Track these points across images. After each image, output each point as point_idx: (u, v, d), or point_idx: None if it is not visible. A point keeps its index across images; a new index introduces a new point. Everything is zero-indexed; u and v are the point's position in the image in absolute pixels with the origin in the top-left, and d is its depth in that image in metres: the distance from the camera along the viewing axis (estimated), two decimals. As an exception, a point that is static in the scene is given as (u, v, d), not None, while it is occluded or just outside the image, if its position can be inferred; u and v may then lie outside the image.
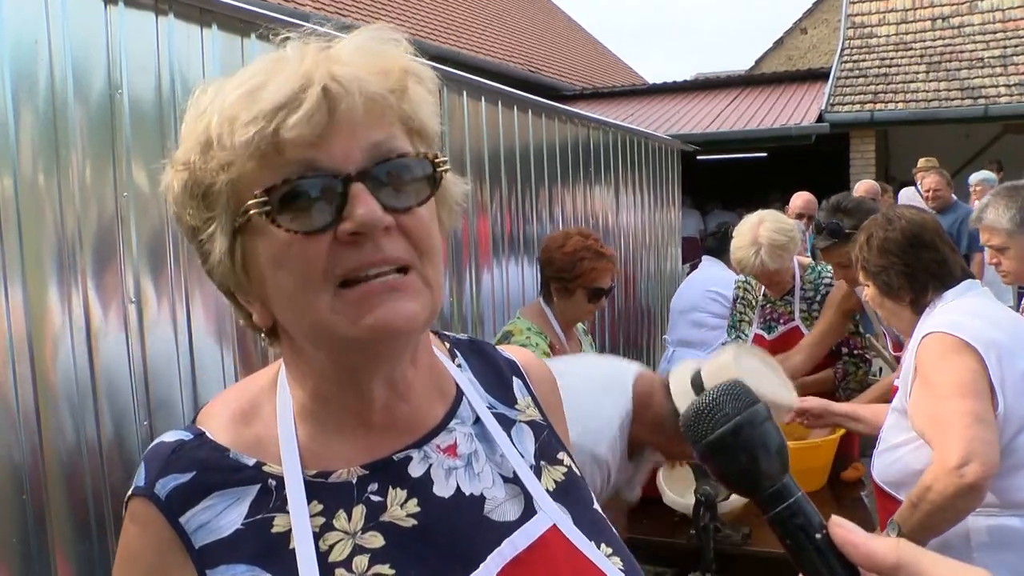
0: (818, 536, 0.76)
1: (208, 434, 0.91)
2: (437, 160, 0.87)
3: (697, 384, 2.12)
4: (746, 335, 4.20)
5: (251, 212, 0.81)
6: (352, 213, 0.80)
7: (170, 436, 0.92)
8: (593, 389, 2.20)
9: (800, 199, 7.25)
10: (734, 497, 2.73)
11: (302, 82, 0.79)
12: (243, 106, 0.79)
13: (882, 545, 0.74)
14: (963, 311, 2.29)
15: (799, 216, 6.83)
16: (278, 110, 0.78)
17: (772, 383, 2.35)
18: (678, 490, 3.00)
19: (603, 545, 0.95)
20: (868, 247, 2.48)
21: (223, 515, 0.86)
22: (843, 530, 0.75)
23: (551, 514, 0.94)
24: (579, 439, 2.20)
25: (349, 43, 0.85)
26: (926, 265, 2.38)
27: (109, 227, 2.32)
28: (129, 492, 0.90)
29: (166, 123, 2.50)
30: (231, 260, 0.85)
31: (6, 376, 2.03)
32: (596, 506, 1.02)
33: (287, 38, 0.87)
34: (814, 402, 3.03)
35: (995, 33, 14.02)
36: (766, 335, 4.09)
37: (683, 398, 2.11)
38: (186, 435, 0.91)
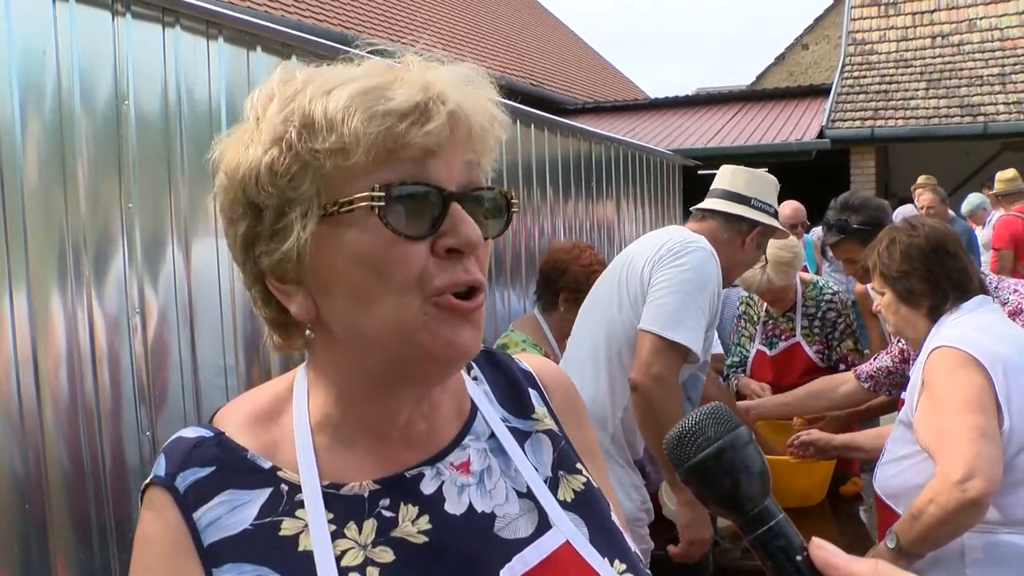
0: (799, 558, 0.77)
1: (226, 434, 0.92)
2: (512, 199, 0.91)
3: None
4: (748, 351, 4.21)
5: (359, 204, 0.81)
6: (457, 230, 0.83)
7: (190, 432, 0.92)
8: None
9: (788, 208, 6.93)
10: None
11: (431, 96, 0.82)
12: (366, 101, 0.80)
13: (861, 567, 0.75)
14: (973, 326, 2.29)
15: (792, 227, 6.60)
16: (408, 114, 0.80)
17: None
18: (678, 504, 3.00)
19: (617, 561, 0.95)
20: (889, 252, 2.47)
21: (233, 513, 0.86)
22: (823, 552, 0.76)
23: (564, 529, 0.94)
24: None
25: (457, 73, 0.88)
26: (949, 273, 2.39)
27: (114, 237, 2.33)
28: (147, 480, 0.90)
29: (172, 134, 2.51)
30: (304, 246, 0.84)
31: (9, 385, 2.03)
32: (614, 518, 1.02)
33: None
34: (817, 435, 3.10)
35: (994, 52, 14.09)
36: (768, 351, 4.10)
37: None
38: (206, 432, 0.92)
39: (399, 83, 0.83)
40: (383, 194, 0.81)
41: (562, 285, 3.64)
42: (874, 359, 3.30)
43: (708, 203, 2.98)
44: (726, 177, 3.01)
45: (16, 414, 2.04)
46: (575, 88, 18.75)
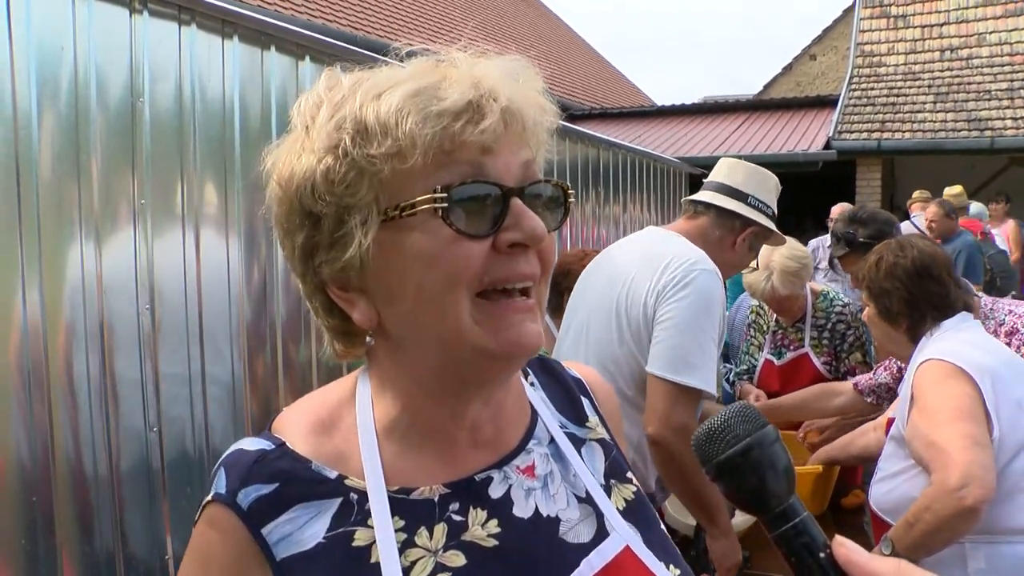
0: (822, 555, 0.79)
1: (288, 444, 0.90)
2: (568, 191, 0.91)
3: None
4: (756, 360, 4.20)
5: (421, 207, 0.80)
6: (521, 225, 0.83)
7: (250, 444, 0.90)
8: None
9: (838, 208, 7.64)
10: (735, 520, 2.73)
11: (482, 93, 0.82)
12: (419, 102, 0.80)
13: (883, 565, 0.76)
14: (959, 340, 2.33)
15: None
16: (461, 113, 0.80)
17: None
18: (680, 510, 3.00)
19: (672, 566, 0.96)
20: (876, 269, 2.52)
21: (305, 528, 0.85)
22: (846, 550, 0.78)
23: (624, 534, 0.95)
24: None
25: (506, 67, 0.88)
26: (928, 296, 2.42)
27: (126, 232, 2.34)
28: (208, 497, 0.88)
29: (185, 131, 2.53)
30: (367, 252, 0.83)
31: (21, 379, 2.05)
32: (662, 526, 1.03)
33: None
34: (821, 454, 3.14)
35: (1003, 66, 14.08)
36: (776, 360, 4.10)
37: None
38: (267, 444, 0.90)
39: (448, 82, 0.82)
40: (445, 195, 0.80)
41: (565, 286, 3.65)
42: (874, 374, 3.32)
43: (701, 195, 2.77)
44: (723, 170, 2.81)
45: (26, 407, 2.06)
46: (581, 94, 18.77)
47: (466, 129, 0.80)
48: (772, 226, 2.74)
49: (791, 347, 4.07)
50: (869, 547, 2.92)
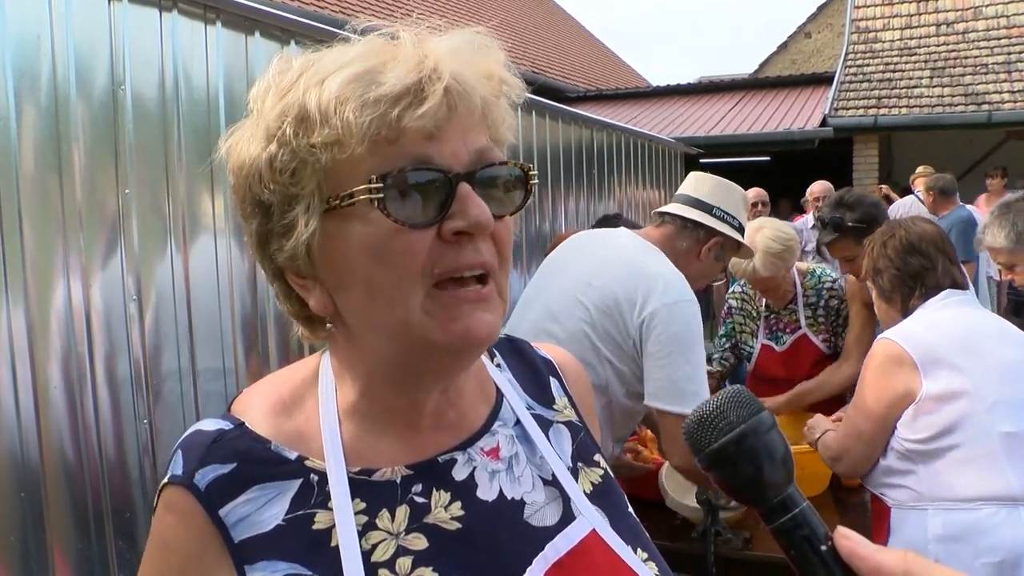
0: (823, 548, 0.74)
1: (248, 424, 0.89)
2: (530, 171, 0.88)
3: None
4: (750, 347, 4.15)
5: (359, 197, 0.79)
6: (465, 212, 0.80)
7: (209, 425, 0.90)
8: None
9: (819, 186, 8.03)
10: (731, 503, 2.72)
11: (424, 74, 0.78)
12: (357, 88, 0.77)
13: (890, 557, 0.72)
14: (924, 320, 2.49)
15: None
16: (400, 98, 0.77)
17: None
18: (681, 493, 2.99)
19: (639, 550, 0.95)
20: (872, 252, 2.67)
21: (264, 509, 0.84)
22: (849, 542, 0.73)
23: (590, 518, 0.94)
24: None
25: (457, 42, 0.84)
26: (914, 271, 2.55)
27: (111, 223, 2.31)
28: (164, 480, 0.87)
29: (168, 119, 2.49)
30: (310, 241, 0.83)
31: (6, 373, 2.02)
32: (631, 510, 1.02)
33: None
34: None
35: (1000, 39, 14.00)
36: (775, 346, 4.04)
37: None
38: (226, 424, 0.89)
39: (393, 63, 0.79)
40: (381, 185, 0.78)
41: None
42: None
43: (669, 207, 2.85)
44: (690, 183, 2.89)
45: (11, 401, 2.03)
46: (576, 75, 18.69)
47: (405, 115, 0.77)
48: (737, 236, 2.81)
49: (787, 330, 4.02)
50: (869, 525, 2.91)
